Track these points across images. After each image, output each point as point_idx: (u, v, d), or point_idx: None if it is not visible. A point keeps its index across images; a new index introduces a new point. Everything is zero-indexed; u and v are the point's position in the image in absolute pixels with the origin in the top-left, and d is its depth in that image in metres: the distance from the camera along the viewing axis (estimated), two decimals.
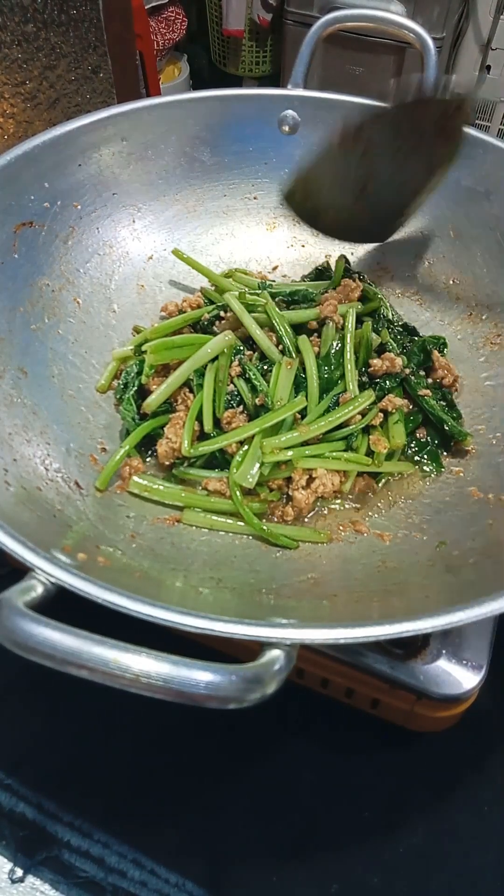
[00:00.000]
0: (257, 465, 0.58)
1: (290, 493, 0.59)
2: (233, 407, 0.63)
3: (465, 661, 0.49)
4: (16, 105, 0.84)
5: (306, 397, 0.63)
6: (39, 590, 0.36)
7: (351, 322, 0.67)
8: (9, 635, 0.31)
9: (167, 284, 0.77)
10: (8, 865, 0.50)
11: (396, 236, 0.78)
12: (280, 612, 0.47)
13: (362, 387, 0.65)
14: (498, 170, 0.69)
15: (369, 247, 0.79)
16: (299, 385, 0.64)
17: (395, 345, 0.68)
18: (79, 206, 0.70)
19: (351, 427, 0.62)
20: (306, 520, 0.59)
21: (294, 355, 0.66)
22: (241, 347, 0.67)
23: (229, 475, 0.58)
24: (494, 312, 0.71)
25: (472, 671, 0.49)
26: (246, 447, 0.60)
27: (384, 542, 0.54)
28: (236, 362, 0.65)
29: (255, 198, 0.81)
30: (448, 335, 0.72)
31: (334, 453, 0.60)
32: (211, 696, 0.31)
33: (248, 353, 0.67)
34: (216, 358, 0.66)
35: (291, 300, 0.73)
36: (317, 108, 0.76)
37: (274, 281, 0.78)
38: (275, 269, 0.81)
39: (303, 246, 0.82)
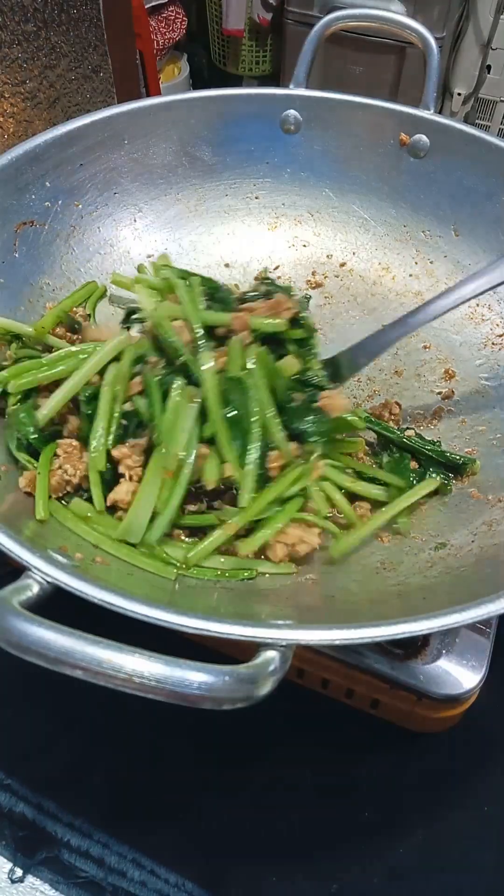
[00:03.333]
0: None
1: (270, 541, 0.51)
2: (130, 435, 0.53)
3: (465, 661, 0.49)
4: (16, 104, 0.84)
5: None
6: (35, 589, 0.36)
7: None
8: (2, 635, 0.31)
9: None
10: (8, 865, 0.50)
11: (397, 237, 0.78)
12: (278, 612, 0.47)
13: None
14: (499, 169, 0.68)
15: (370, 246, 0.79)
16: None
17: (322, 376, 0.61)
18: (80, 206, 0.70)
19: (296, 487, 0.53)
20: None
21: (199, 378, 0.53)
22: (146, 355, 0.55)
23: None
24: (495, 313, 0.71)
25: (472, 671, 0.49)
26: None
27: (383, 542, 0.54)
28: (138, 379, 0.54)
29: (256, 197, 0.80)
30: (448, 335, 0.72)
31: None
32: (205, 697, 0.31)
33: (153, 359, 0.55)
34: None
35: (210, 297, 0.61)
36: (319, 108, 0.76)
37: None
38: (276, 268, 0.80)
39: (304, 245, 0.81)
